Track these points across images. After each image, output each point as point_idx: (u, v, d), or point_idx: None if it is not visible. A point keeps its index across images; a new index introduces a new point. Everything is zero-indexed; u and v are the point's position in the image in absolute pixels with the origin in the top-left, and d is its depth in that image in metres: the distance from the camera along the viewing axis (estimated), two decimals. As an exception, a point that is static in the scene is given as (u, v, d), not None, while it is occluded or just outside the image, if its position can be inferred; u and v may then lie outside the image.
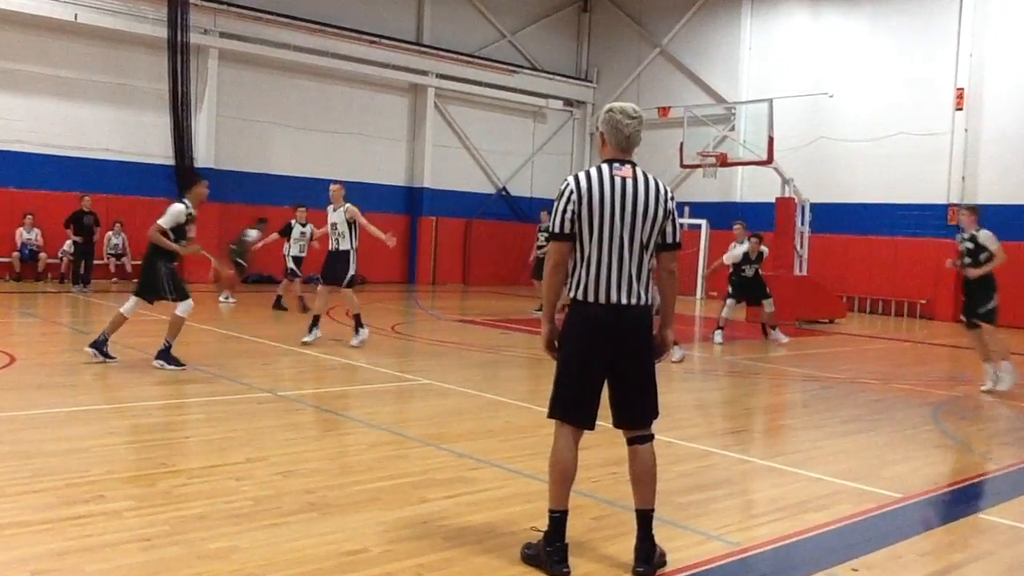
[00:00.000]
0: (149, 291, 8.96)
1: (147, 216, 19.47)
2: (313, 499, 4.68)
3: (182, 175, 19.68)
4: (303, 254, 15.25)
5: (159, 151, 19.84)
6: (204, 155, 20.20)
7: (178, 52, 19.48)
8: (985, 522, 5.02)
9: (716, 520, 4.72)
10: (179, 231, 9.07)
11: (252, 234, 17.33)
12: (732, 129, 22.69)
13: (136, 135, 19.75)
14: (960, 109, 19.71)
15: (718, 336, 13.22)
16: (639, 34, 26.27)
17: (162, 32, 19.30)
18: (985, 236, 9.25)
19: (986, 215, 10.04)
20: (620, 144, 3.97)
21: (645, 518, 3.94)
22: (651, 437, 4.00)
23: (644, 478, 3.95)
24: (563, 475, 3.93)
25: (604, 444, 5.43)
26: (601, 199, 3.84)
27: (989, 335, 9.30)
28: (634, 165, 3.95)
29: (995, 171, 19.40)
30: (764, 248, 13.84)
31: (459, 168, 25.36)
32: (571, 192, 3.87)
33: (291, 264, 15.28)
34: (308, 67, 21.88)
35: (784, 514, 4.88)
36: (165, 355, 8.80)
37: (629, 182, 3.88)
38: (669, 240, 3.95)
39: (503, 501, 4.85)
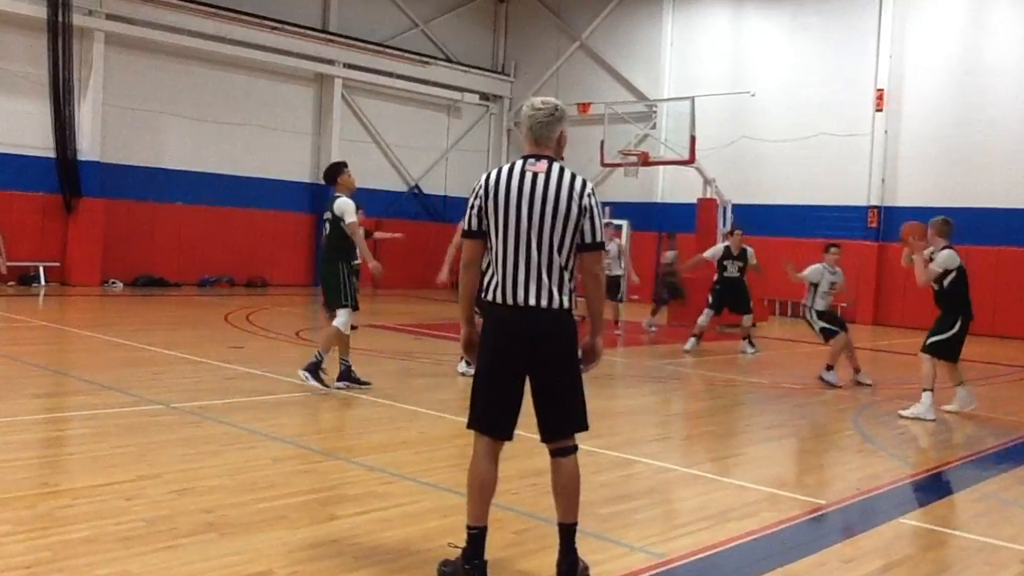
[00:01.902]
0: (347, 298, 8.45)
1: (24, 213, 18.87)
2: (212, 519, 4.58)
3: (63, 167, 19.00)
4: None
5: (37, 142, 19.05)
6: (88, 147, 19.50)
7: (59, 34, 18.75)
8: (906, 527, 5.24)
9: (639, 531, 4.80)
10: (343, 230, 8.37)
11: (670, 256, 17.02)
12: (654, 127, 23.18)
13: (11, 124, 18.91)
14: (880, 110, 20.57)
15: (690, 343, 13.20)
16: (558, 27, 26.55)
17: (41, 12, 18.55)
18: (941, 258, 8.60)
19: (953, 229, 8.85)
20: (529, 137, 4.00)
21: (567, 532, 3.96)
22: (574, 449, 3.99)
23: (565, 492, 3.96)
24: (481, 489, 3.92)
25: (523, 455, 5.47)
26: (507, 194, 3.86)
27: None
28: (552, 160, 3.95)
29: (914, 173, 20.31)
30: (749, 247, 13.78)
31: (368, 164, 25.09)
32: (479, 187, 3.94)
33: None
34: (204, 54, 21.35)
35: (708, 523, 5.00)
36: (312, 368, 8.50)
37: (540, 176, 3.88)
38: (588, 239, 3.89)
39: (418, 517, 4.84)
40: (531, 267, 3.85)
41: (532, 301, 3.84)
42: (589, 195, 3.90)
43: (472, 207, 3.94)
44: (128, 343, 11.11)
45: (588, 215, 3.88)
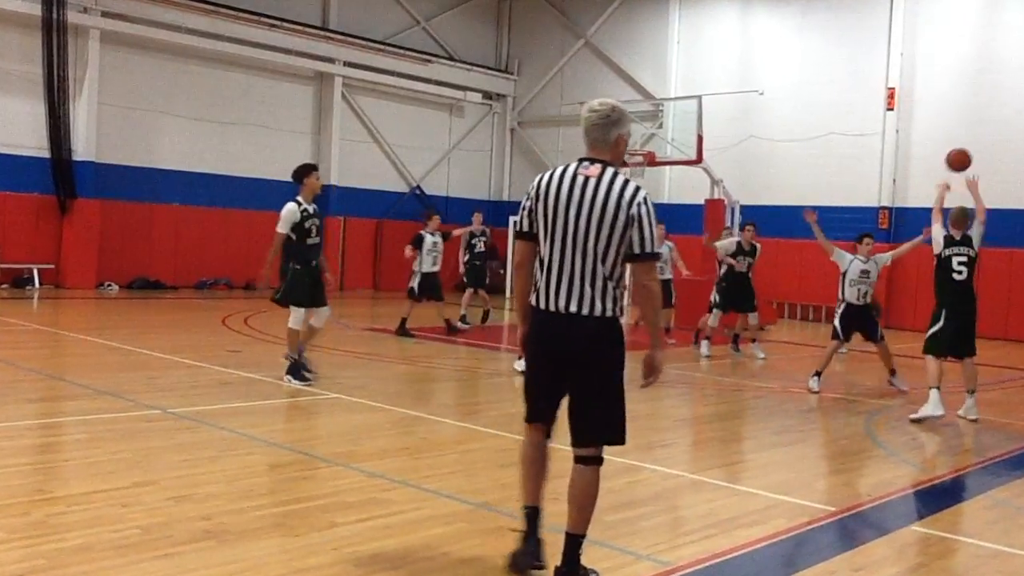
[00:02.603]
0: (285, 297, 8.98)
1: (17, 214, 18.92)
2: (209, 526, 4.58)
3: (58, 167, 19.03)
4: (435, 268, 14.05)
5: (31, 142, 19.08)
6: (84, 147, 19.53)
7: (54, 32, 18.76)
8: (918, 534, 5.24)
9: (645, 539, 4.80)
10: (300, 231, 8.80)
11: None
12: (660, 127, 23.15)
13: (4, 124, 18.95)
14: (891, 109, 20.55)
15: (704, 348, 13.21)
16: (563, 24, 26.57)
17: (36, 9, 18.59)
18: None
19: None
20: (588, 140, 4.02)
21: (571, 542, 3.95)
22: (593, 460, 3.96)
23: (575, 501, 3.96)
24: (529, 469, 4.11)
25: (527, 460, 5.46)
26: (556, 198, 3.89)
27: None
28: (606, 164, 3.93)
29: (926, 173, 20.26)
30: (758, 244, 13.78)
31: (369, 164, 25.16)
32: (532, 188, 4.02)
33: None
34: (201, 52, 21.37)
35: (715, 531, 5.00)
36: (292, 370, 8.93)
37: (591, 182, 3.87)
38: (636, 250, 3.84)
39: (420, 524, 4.84)
40: (572, 274, 3.86)
41: (572, 308, 3.87)
42: (639, 204, 3.84)
43: (524, 208, 4.03)
44: (124, 347, 11.13)
45: (636, 224, 3.83)
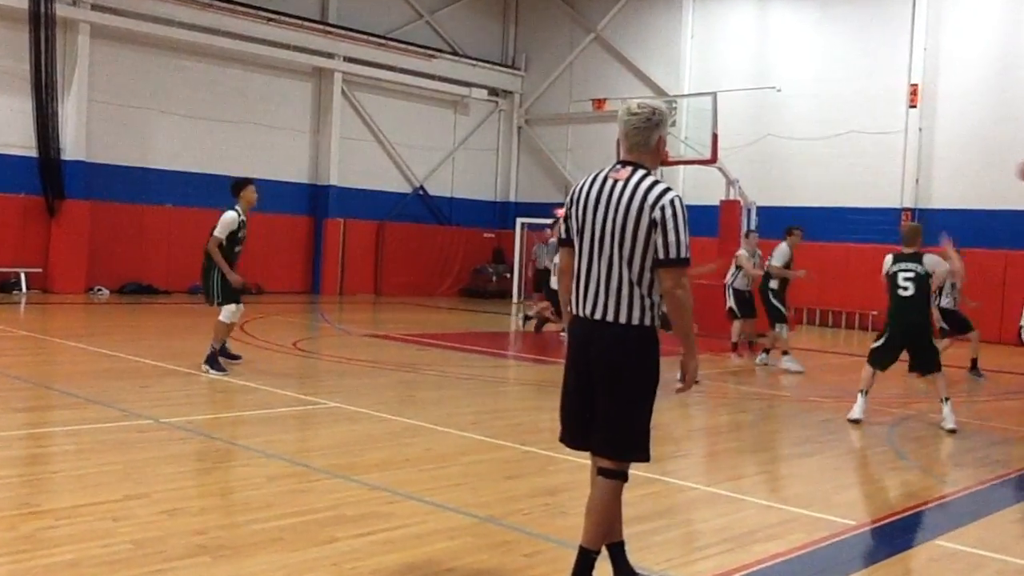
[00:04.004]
0: (226, 297, 10.04)
1: (3, 216, 18.99)
2: (204, 541, 4.59)
3: (46, 167, 19.10)
4: None
5: (19, 140, 19.18)
6: (73, 146, 19.62)
7: (42, 26, 18.86)
8: (943, 549, 5.22)
9: (658, 554, 4.79)
10: (232, 239, 9.99)
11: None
12: (673, 125, 23.08)
13: (-9, 121, 19.06)
14: (914, 106, 20.53)
15: (762, 357, 13.40)
16: (572, 18, 26.61)
17: (23, 2, 18.69)
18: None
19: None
20: (627, 144, 4.03)
21: (583, 557, 3.95)
22: (613, 473, 3.95)
23: (591, 514, 3.97)
24: (587, 511, 4.02)
25: (535, 472, 5.48)
26: (586, 202, 3.97)
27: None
28: (636, 167, 3.95)
29: (950, 173, 20.25)
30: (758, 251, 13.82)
31: (370, 164, 25.22)
32: (570, 193, 4.10)
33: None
34: (196, 47, 21.47)
35: (731, 545, 4.99)
36: (212, 360, 9.95)
37: (619, 184, 3.90)
38: (660, 255, 3.81)
39: (423, 539, 4.84)
40: (597, 279, 3.92)
41: (598, 314, 3.90)
42: (663, 207, 3.81)
43: (566, 214, 4.10)
44: (115, 354, 11.16)
45: (660, 228, 3.80)
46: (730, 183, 19.17)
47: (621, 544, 4.18)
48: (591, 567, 3.94)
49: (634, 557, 4.69)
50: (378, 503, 5.45)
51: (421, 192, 26.41)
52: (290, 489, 5.73)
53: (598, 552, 3.96)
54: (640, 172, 3.92)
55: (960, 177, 20.07)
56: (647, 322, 3.89)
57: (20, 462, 6.33)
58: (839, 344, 17.78)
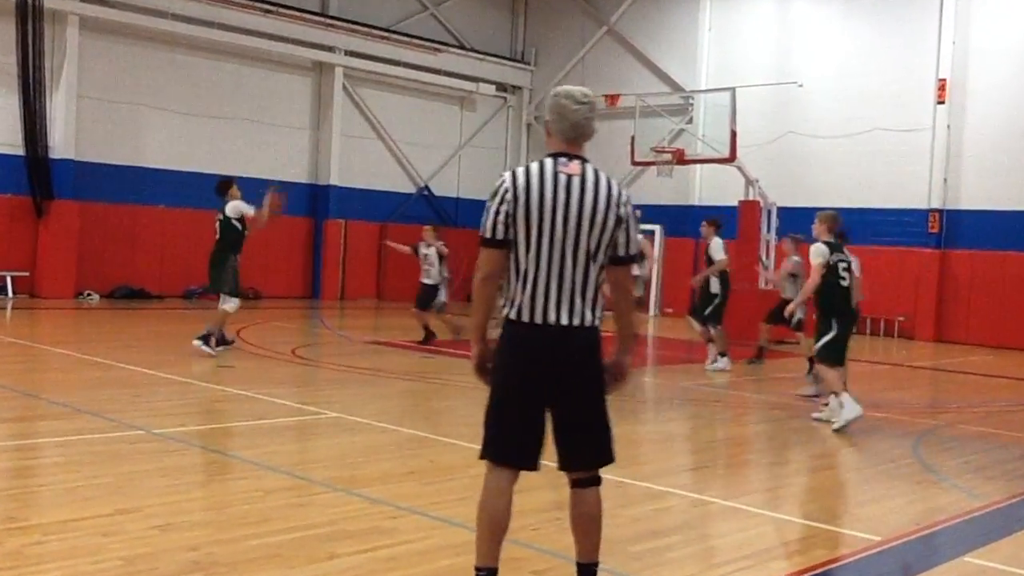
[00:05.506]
0: (235, 289, 11.53)
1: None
2: (197, 557, 4.60)
3: (34, 166, 19.17)
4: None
5: (5, 138, 19.25)
6: (62, 143, 19.69)
7: (29, 18, 18.92)
8: (972, 566, 5.21)
9: (673, 570, 4.79)
10: (244, 225, 11.66)
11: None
12: (690, 121, 23.16)
13: (-23, 118, 19.16)
14: (942, 103, 20.48)
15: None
16: (583, 10, 26.63)
17: (10, -6, 18.80)
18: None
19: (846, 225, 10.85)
20: (567, 134, 3.96)
21: (587, 573, 3.96)
22: (597, 480, 3.99)
23: (586, 527, 3.97)
24: (492, 525, 3.90)
25: (545, 486, 5.47)
26: (541, 200, 3.81)
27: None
28: (584, 161, 3.94)
29: (980, 172, 20.19)
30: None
31: (372, 163, 25.27)
32: (506, 191, 3.85)
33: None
34: (190, 40, 21.53)
35: (749, 562, 4.98)
36: (205, 338, 11.24)
37: (576, 180, 3.86)
38: (621, 252, 3.91)
39: (427, 555, 4.85)
40: (564, 282, 3.83)
41: (564, 320, 3.84)
42: (626, 203, 3.93)
43: (497, 212, 3.85)
44: (105, 361, 11.20)
45: (624, 226, 3.91)
46: (749, 183, 19.17)
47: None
48: None
49: (648, 574, 4.70)
50: (380, 518, 5.46)
51: (426, 192, 26.45)
52: (288, 503, 5.73)
53: (599, 563, 3.98)
54: (591, 167, 3.94)
55: (990, 176, 20.01)
56: (599, 321, 3.95)
57: (6, 475, 6.35)
58: (863, 351, 17.72)
